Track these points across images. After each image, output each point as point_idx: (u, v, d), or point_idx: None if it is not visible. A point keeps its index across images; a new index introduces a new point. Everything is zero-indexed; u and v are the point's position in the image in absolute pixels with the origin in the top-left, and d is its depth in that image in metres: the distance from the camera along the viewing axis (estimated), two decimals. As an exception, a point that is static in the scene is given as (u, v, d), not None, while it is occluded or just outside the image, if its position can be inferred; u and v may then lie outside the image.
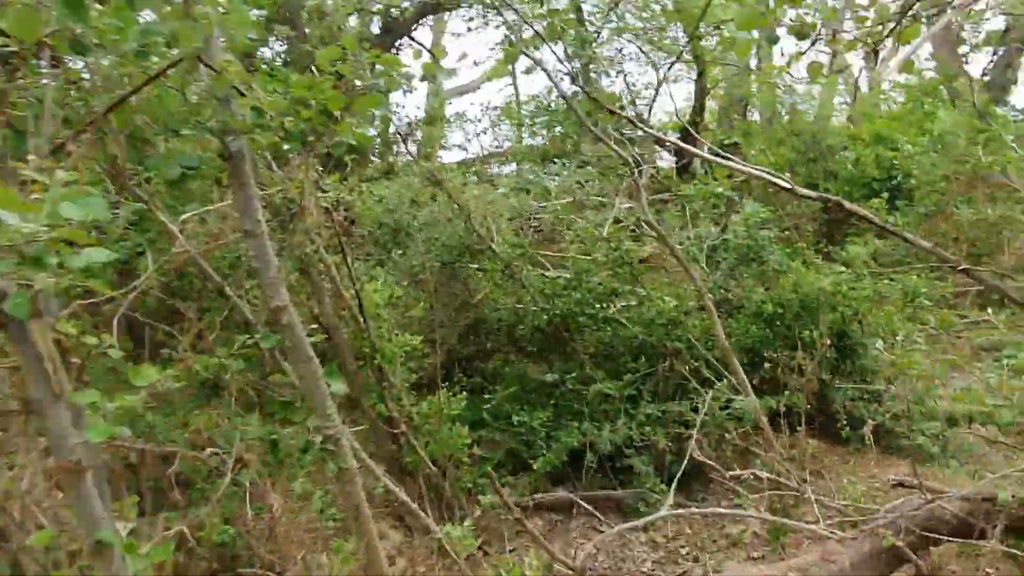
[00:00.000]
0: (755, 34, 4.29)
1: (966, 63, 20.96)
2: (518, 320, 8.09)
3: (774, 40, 4.09)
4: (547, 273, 7.91)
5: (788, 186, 5.78)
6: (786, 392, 7.10)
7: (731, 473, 5.30)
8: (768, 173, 5.63)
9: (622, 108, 6.26)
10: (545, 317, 7.55)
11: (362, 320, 5.77)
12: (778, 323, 8.01)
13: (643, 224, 7.67)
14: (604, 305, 7.59)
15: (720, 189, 7.33)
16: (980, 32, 21.72)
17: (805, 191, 5.78)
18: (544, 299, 7.62)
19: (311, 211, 4.14)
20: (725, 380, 6.60)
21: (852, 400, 7.96)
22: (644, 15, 15.18)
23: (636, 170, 6.25)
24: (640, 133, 8.11)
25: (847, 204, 5.65)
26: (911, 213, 13.46)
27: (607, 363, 7.69)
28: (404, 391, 6.10)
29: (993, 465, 8.49)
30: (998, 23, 20.61)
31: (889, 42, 5.07)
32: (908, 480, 5.10)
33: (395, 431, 5.86)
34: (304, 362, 3.37)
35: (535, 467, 6.79)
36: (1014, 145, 14.21)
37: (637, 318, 7.59)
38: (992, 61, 20.38)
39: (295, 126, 3.46)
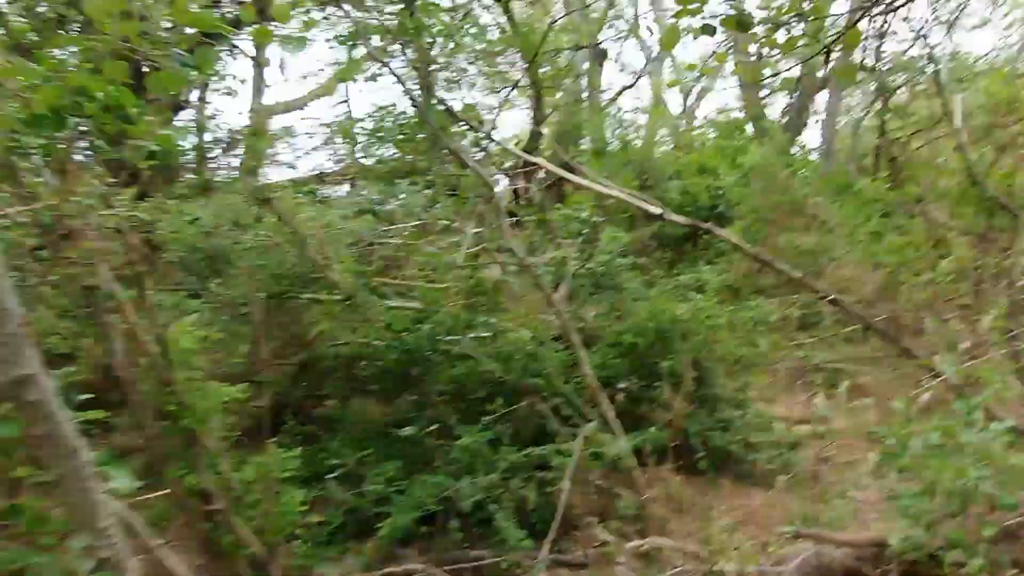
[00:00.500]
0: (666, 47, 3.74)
1: (766, 104, 22.85)
2: (360, 358, 7.10)
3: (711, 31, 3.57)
4: (394, 304, 6.99)
5: (659, 211, 5.40)
6: (652, 428, 6.71)
7: (629, 545, 4.67)
8: (638, 198, 5.20)
9: (480, 123, 5.55)
10: (392, 355, 6.62)
11: (166, 369, 4.56)
12: (634, 353, 7.67)
13: (499, 250, 7.01)
14: (457, 339, 6.80)
15: (585, 213, 6.85)
16: (778, 77, 23.75)
17: (676, 216, 5.43)
18: (390, 334, 6.70)
19: (86, 233, 2.99)
20: (592, 422, 6.03)
21: (707, 429, 7.78)
22: (482, 37, 14.79)
23: (494, 192, 5.57)
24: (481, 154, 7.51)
25: (718, 230, 5.37)
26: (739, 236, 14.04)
27: (462, 404, 6.90)
28: (222, 454, 4.91)
29: (831, 486, 8.69)
30: (794, 70, 22.52)
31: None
32: (803, 531, 4.72)
33: (210, 507, 4.66)
34: (64, 457, 2.25)
35: (382, 531, 5.81)
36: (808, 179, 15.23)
37: (494, 353, 6.88)
38: (789, 105, 22.34)
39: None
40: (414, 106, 5.23)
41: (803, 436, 8.60)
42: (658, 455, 7.32)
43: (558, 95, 17.26)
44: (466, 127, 5.20)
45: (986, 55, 20.52)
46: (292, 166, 16.32)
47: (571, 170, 7.77)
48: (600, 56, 19.81)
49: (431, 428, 6.64)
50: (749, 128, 20.88)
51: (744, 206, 14.98)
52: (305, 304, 7.11)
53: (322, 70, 15.13)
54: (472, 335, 6.99)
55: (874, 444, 9.63)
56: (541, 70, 15.76)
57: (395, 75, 5.40)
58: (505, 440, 6.44)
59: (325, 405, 7.65)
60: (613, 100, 20.27)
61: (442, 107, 5.29)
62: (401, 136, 7.65)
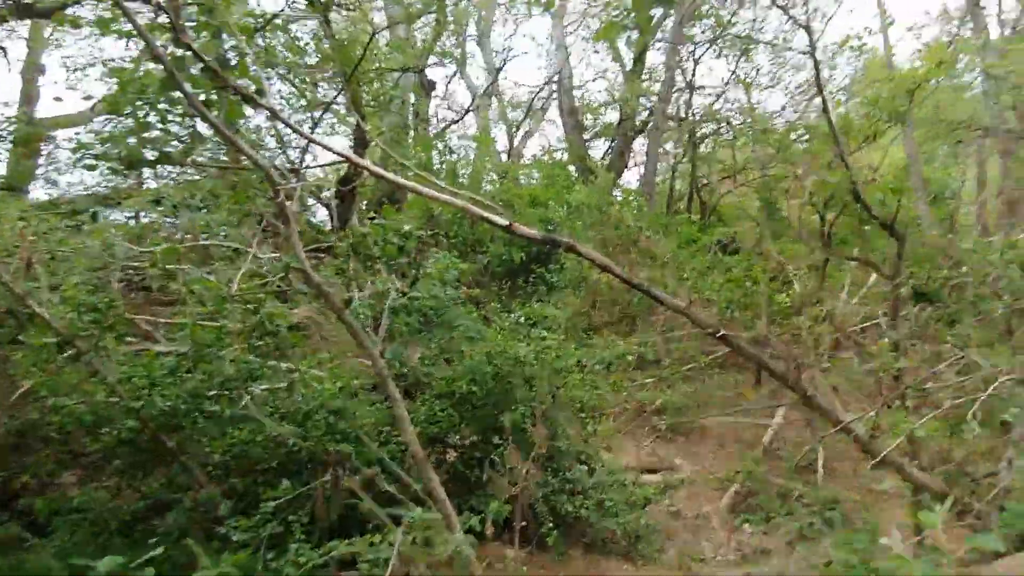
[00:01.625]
0: None
1: (590, 147, 22.93)
2: (93, 424, 4.98)
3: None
4: (144, 351, 4.99)
5: (505, 223, 4.04)
6: (492, 499, 5.22)
7: None
8: (483, 205, 3.83)
9: (260, 94, 3.87)
10: (131, 421, 4.62)
11: None
12: (469, 404, 6.22)
13: (295, 279, 5.26)
14: (236, 395, 4.94)
15: (408, 227, 5.26)
16: (599, 122, 23.97)
17: (527, 230, 4.10)
18: (133, 392, 4.69)
19: None
20: (419, 508, 4.41)
21: (553, 492, 6.44)
22: (294, 51, 13.01)
23: (280, 190, 3.89)
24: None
25: (582, 249, 4.13)
26: (566, 273, 13.21)
27: (240, 483, 5.01)
28: None
29: (685, 545, 7.67)
30: (613, 116, 22.80)
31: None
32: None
33: None
34: None
35: None
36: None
37: (287, 411, 5.08)
38: (610, 148, 22.55)
39: None
40: (160, 62, 3.46)
41: (653, 489, 7.55)
42: (499, 529, 5.89)
43: (383, 122, 15.82)
44: (235, 96, 3.52)
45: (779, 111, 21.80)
46: (52, 182, 13.46)
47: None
48: (428, 87, 18.74)
49: (193, 517, 4.69)
50: (572, 169, 20.69)
51: (577, 239, 14.33)
52: (10, 352, 4.91)
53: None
54: (258, 387, 5.16)
55: (723, 492, 8.89)
56: (363, 88, 14.27)
57: (133, 23, 3.58)
58: (298, 531, 4.63)
59: (45, 490, 5.40)
60: (441, 133, 19.17)
61: (202, 69, 3.55)
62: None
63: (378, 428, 5.40)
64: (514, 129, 24.73)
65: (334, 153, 5.91)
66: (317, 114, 13.18)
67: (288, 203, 3.95)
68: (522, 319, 6.78)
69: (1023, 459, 3.71)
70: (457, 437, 6.44)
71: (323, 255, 8.66)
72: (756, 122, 20.99)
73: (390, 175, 4.69)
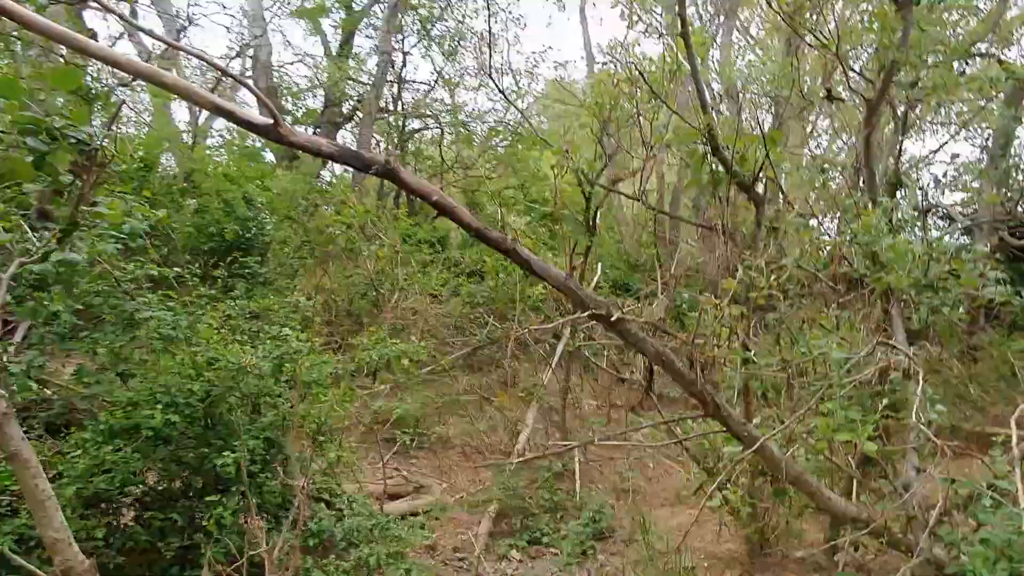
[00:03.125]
0: None
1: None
2: None
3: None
4: None
5: (270, 120, 2.19)
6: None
7: None
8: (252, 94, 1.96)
9: None
10: None
11: None
12: (161, 440, 4.02)
13: None
14: None
15: (61, 122, 2.85)
16: (300, 109, 21.57)
17: (302, 138, 2.30)
18: None
19: None
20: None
21: (288, 553, 4.53)
22: None
23: None
24: None
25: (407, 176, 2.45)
26: (274, 266, 11.01)
27: None
28: None
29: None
30: (317, 102, 20.73)
31: None
32: None
33: None
34: None
35: None
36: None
37: None
38: (315, 135, 20.35)
39: None
40: None
41: (413, 524, 5.99)
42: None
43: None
44: None
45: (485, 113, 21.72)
46: None
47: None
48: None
49: None
50: (271, 155, 18.26)
51: (282, 231, 12.13)
52: None
53: None
54: None
55: (481, 514, 7.65)
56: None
57: None
58: None
59: None
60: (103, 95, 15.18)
61: None
62: None
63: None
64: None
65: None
66: None
67: None
68: (246, 312, 4.72)
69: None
70: (141, 489, 4.18)
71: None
72: (458, 123, 20.68)
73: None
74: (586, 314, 2.41)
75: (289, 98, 21.27)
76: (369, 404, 7.90)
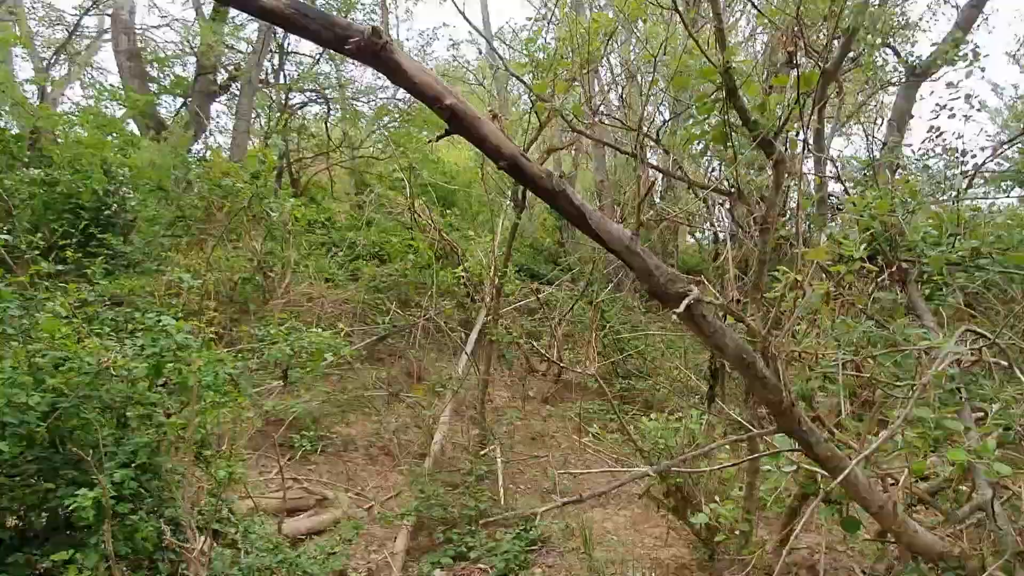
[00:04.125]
0: None
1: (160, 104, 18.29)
2: None
3: None
4: None
5: None
6: None
7: None
8: None
9: None
10: None
11: None
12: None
13: None
14: None
15: None
16: (168, 78, 19.29)
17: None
18: None
19: None
20: None
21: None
22: None
23: None
24: None
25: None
26: (140, 246, 9.46)
27: None
28: None
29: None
30: (189, 71, 18.66)
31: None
32: None
33: None
34: None
35: None
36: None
37: None
38: (184, 105, 18.26)
39: None
40: None
41: (317, 547, 4.99)
42: None
43: None
44: None
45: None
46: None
47: None
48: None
49: None
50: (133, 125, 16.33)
51: (149, 208, 10.50)
52: None
53: None
54: None
55: (396, 527, 6.68)
56: None
57: None
58: None
59: None
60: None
61: None
62: None
63: None
64: (47, 64, 18.52)
65: None
66: None
67: None
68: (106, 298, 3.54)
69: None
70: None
71: None
72: (344, 100, 19.27)
73: None
74: (646, 289, 1.66)
75: (155, 64, 18.96)
76: (260, 403, 6.74)
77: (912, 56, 9.75)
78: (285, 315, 7.69)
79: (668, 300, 1.78)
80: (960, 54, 7.61)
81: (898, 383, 2.86)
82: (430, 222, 8.89)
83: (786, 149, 3.09)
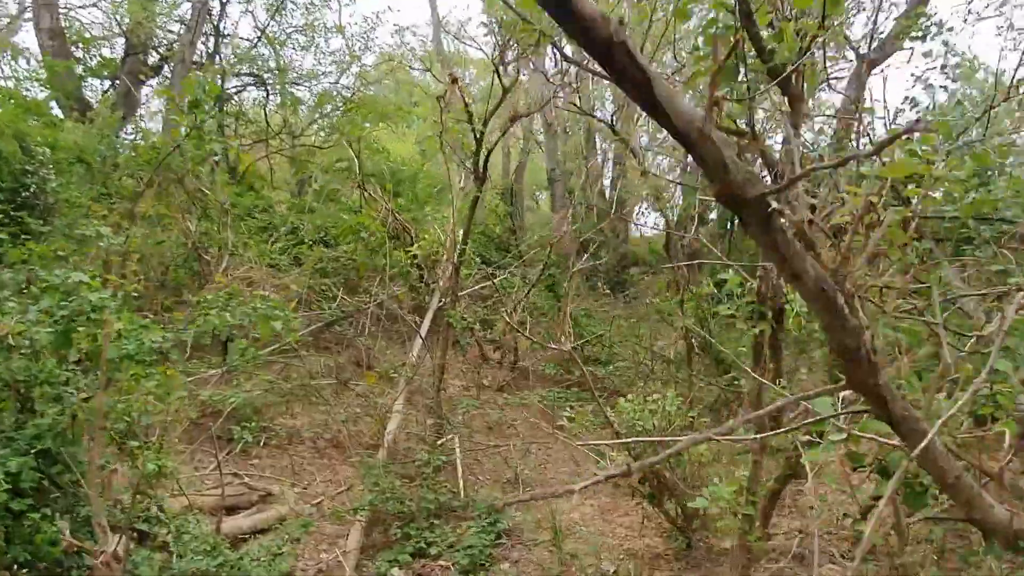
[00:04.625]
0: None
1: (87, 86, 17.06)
2: None
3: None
4: None
5: None
6: None
7: None
8: None
9: None
10: None
11: None
12: None
13: None
14: None
15: None
16: (94, 59, 18.02)
17: None
18: None
19: None
20: None
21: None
22: None
23: None
24: None
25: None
26: (61, 227, 8.61)
27: None
28: None
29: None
30: (117, 52, 17.48)
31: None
32: None
33: None
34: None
35: None
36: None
37: None
38: (113, 86, 17.10)
39: None
40: None
41: (262, 547, 4.45)
42: None
43: None
44: None
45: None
46: None
47: None
48: None
49: None
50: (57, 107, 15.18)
51: (72, 190, 9.61)
52: None
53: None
54: None
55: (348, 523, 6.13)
56: None
57: None
58: None
59: None
60: None
61: None
62: None
63: None
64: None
65: None
66: None
67: None
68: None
69: None
70: None
71: None
72: (284, 84, 18.37)
73: None
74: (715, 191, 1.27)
75: (80, 44, 17.68)
76: (195, 392, 6.11)
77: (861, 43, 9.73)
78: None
79: (743, 206, 1.40)
80: (924, 25, 7.55)
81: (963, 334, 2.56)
82: (382, 200, 8.36)
83: (803, 84, 2.77)
